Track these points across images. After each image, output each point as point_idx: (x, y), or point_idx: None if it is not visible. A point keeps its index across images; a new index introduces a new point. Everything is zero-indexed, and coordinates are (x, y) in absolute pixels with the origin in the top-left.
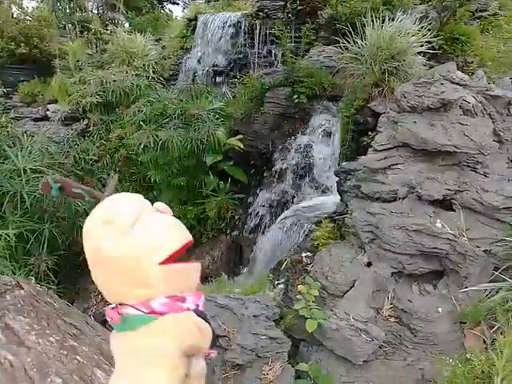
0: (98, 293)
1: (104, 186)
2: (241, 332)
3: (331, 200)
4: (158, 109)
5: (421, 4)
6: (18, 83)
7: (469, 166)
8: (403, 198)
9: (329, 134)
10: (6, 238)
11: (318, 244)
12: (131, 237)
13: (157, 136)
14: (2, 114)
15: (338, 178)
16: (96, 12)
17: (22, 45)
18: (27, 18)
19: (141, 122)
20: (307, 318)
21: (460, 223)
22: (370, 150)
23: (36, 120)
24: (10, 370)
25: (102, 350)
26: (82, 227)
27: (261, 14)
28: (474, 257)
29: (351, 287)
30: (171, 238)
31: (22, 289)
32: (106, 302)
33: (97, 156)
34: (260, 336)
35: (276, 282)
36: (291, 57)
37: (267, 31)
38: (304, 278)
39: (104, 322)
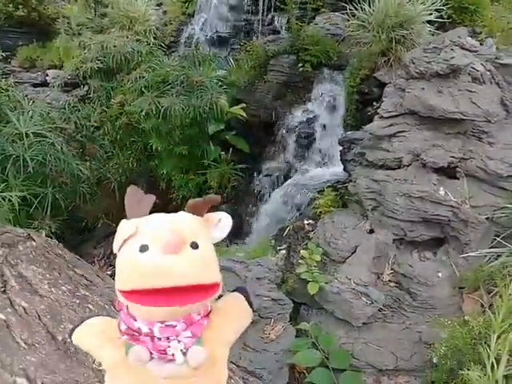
0: (101, 257)
1: (106, 152)
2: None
3: (334, 170)
4: (159, 75)
5: None
6: (17, 47)
7: (474, 135)
8: (408, 166)
9: (333, 104)
10: (10, 201)
11: (320, 212)
12: None
13: (159, 103)
14: (2, 78)
15: (341, 148)
16: None
17: (20, 7)
18: None
19: (142, 89)
20: (309, 282)
21: (463, 191)
22: (376, 117)
23: (35, 85)
24: (25, 316)
25: (113, 301)
26: (84, 193)
27: None
28: (476, 223)
29: (353, 253)
30: None
31: (34, 241)
32: (111, 265)
33: (98, 123)
34: (263, 298)
35: (278, 248)
36: (297, 23)
37: None
38: (306, 244)
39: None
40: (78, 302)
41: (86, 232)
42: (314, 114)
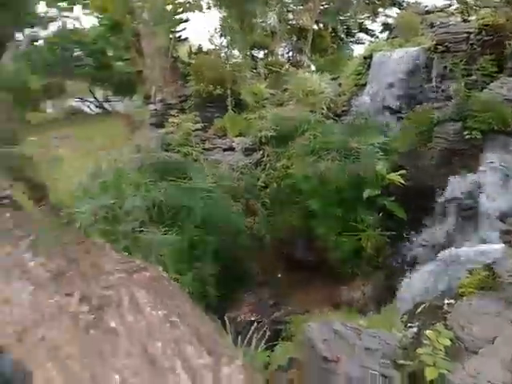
0: (249, 304)
1: (267, 209)
2: (351, 361)
3: (495, 249)
4: (321, 142)
5: None
6: (214, 119)
7: None
8: None
9: (505, 175)
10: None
11: (463, 292)
12: None
13: (317, 167)
14: (199, 144)
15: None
16: (286, 56)
17: (218, 87)
18: (225, 65)
19: (305, 154)
20: (429, 366)
21: None
22: None
23: (225, 150)
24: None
25: (199, 335)
26: (240, 244)
27: (440, 47)
28: None
29: (489, 343)
30: None
31: (148, 272)
32: (255, 313)
33: (264, 183)
34: (371, 371)
35: (409, 325)
36: (465, 90)
37: (446, 65)
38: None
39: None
40: (168, 326)
41: (242, 280)
42: (480, 185)
